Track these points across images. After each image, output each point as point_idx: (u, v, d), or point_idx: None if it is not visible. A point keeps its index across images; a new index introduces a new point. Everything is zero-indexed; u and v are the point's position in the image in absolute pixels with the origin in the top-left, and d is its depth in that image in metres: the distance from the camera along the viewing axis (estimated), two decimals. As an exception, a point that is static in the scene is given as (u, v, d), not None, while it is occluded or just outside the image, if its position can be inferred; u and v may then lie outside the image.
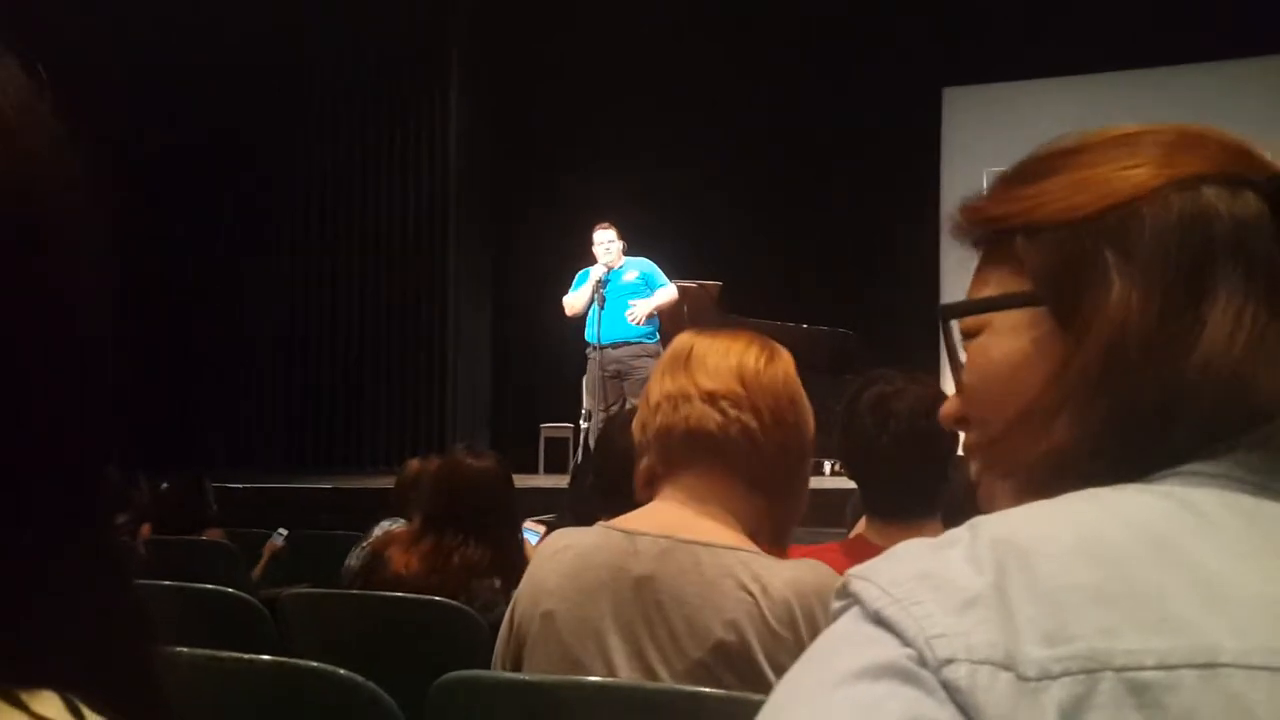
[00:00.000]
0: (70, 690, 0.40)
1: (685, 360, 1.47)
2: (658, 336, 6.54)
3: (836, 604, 0.56)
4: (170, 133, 8.81)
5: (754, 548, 1.43)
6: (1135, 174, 0.64)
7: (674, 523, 1.43)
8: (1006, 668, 0.48)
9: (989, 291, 0.70)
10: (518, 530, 2.72)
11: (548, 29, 8.97)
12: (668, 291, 6.57)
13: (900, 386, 1.89)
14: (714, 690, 1.29)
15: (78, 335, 0.43)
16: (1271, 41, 7.87)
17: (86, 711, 0.40)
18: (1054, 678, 0.48)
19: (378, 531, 2.67)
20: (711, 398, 1.43)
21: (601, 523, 1.51)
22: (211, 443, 8.85)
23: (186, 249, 9.30)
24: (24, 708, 0.38)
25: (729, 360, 1.46)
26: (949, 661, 0.49)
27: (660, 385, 1.48)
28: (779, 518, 1.49)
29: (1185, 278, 0.61)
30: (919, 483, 1.90)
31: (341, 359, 9.06)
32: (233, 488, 6.00)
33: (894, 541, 1.95)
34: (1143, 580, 0.50)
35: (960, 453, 2.12)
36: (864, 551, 1.89)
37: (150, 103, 8.45)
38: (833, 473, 7.01)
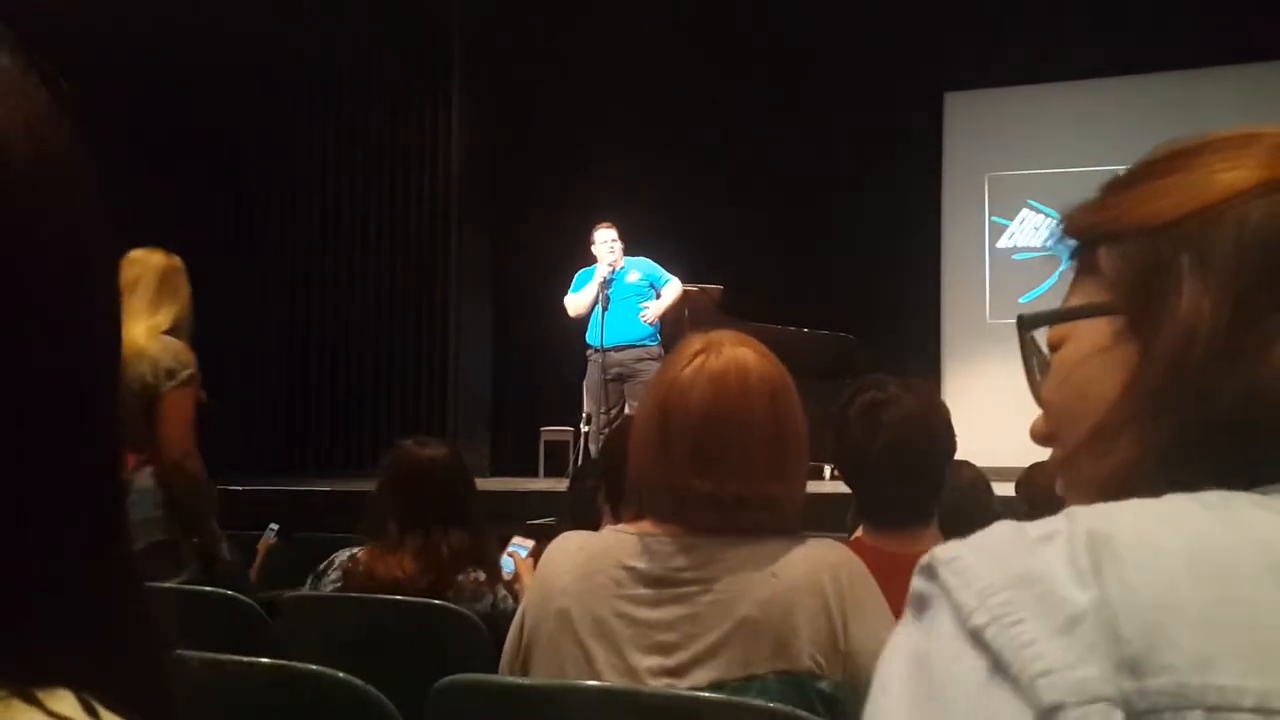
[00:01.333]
0: (85, 689, 0.40)
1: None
2: (659, 339, 6.53)
3: (920, 583, 0.51)
4: (168, 132, 8.82)
5: (770, 538, 1.44)
6: (1226, 177, 0.60)
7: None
8: (1118, 704, 0.44)
9: (1075, 303, 0.66)
10: (482, 519, 2.71)
11: (549, 29, 8.97)
12: (674, 287, 6.58)
13: (892, 394, 1.89)
14: (713, 695, 1.29)
15: (86, 335, 0.43)
16: (1275, 48, 7.87)
17: (102, 710, 0.40)
18: (1138, 715, 0.43)
19: (341, 559, 2.61)
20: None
21: (611, 527, 1.51)
22: (208, 445, 8.82)
23: (185, 249, 9.28)
24: (40, 705, 0.38)
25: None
26: (1057, 709, 0.44)
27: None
28: (788, 502, 1.49)
29: (1264, 284, 0.57)
30: (912, 491, 1.90)
31: (342, 361, 9.06)
32: (232, 489, 6.00)
33: (897, 547, 1.94)
34: (1257, 605, 0.45)
35: (958, 457, 2.12)
36: (861, 553, 1.89)
37: (148, 101, 8.45)
38: (832, 477, 7.01)
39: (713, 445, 1.43)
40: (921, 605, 0.50)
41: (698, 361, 1.48)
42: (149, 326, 2.98)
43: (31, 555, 0.40)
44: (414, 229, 8.95)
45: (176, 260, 3.17)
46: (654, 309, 6.45)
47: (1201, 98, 8.26)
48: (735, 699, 1.28)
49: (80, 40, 6.40)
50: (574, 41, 8.89)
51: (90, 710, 0.39)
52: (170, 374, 2.99)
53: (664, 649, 1.38)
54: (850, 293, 8.60)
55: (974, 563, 0.50)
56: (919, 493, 1.90)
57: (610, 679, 1.39)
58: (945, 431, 1.94)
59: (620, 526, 1.51)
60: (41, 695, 0.38)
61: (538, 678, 1.40)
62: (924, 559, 0.52)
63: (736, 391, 1.45)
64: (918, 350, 8.50)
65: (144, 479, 2.96)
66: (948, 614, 0.49)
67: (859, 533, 1.96)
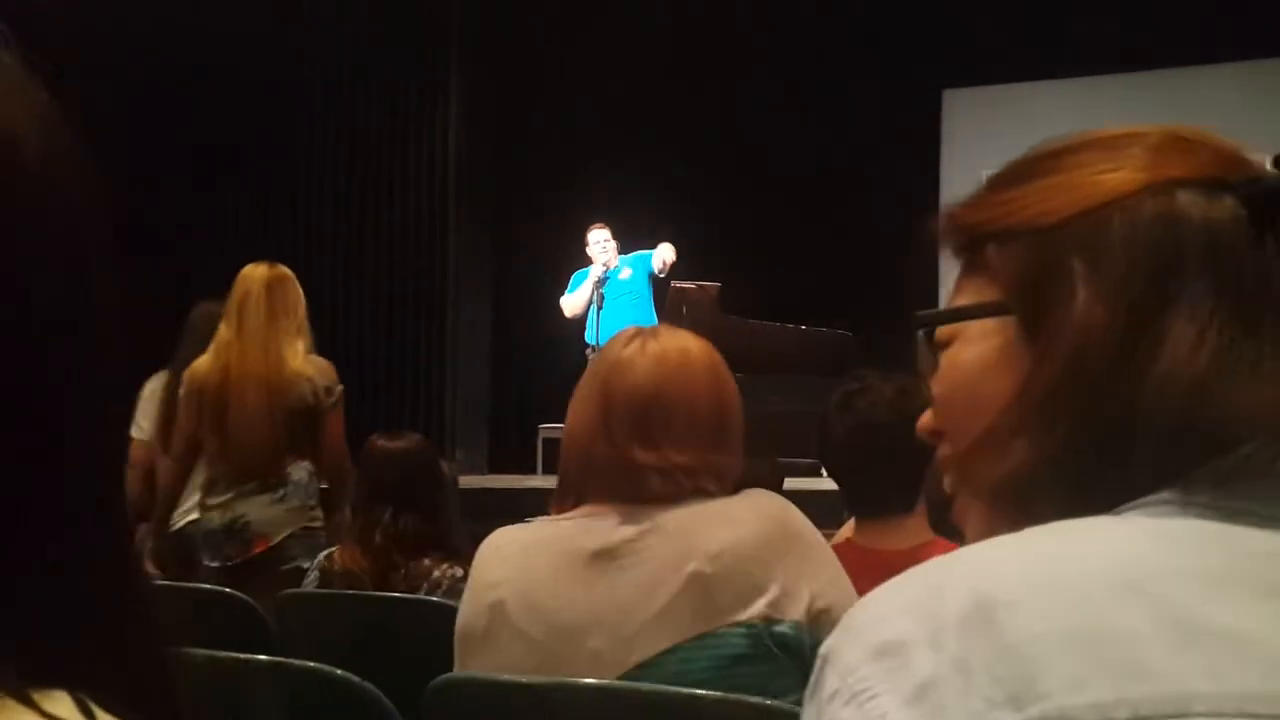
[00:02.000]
0: (81, 689, 0.40)
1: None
2: (656, 338, 6.54)
3: (821, 653, 0.53)
4: (165, 131, 8.80)
5: (707, 499, 1.46)
6: (1111, 178, 0.60)
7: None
8: None
9: (962, 301, 0.68)
10: (449, 507, 2.75)
11: (547, 30, 8.97)
12: (660, 251, 6.63)
13: (868, 384, 1.92)
14: (709, 693, 1.30)
15: (88, 333, 0.43)
16: (1273, 45, 7.88)
17: (98, 711, 0.39)
18: None
19: (319, 558, 2.69)
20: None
21: (545, 518, 1.52)
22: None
23: (182, 248, 9.28)
24: (35, 707, 0.38)
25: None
26: None
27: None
28: (730, 470, 1.52)
29: (1151, 288, 0.57)
30: (887, 476, 1.90)
31: (341, 359, 9.01)
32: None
33: (878, 541, 1.98)
34: (1113, 622, 0.46)
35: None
36: (850, 553, 1.90)
37: (146, 101, 8.44)
38: (827, 474, 7.02)
39: (657, 416, 1.46)
40: (813, 689, 0.52)
41: (636, 344, 1.51)
42: (298, 350, 3.34)
43: (30, 555, 0.40)
44: (413, 228, 8.95)
45: (283, 272, 3.40)
46: (661, 255, 6.54)
47: (1201, 94, 8.26)
48: (731, 696, 1.29)
49: (78, 40, 6.40)
50: (572, 42, 8.88)
51: (86, 712, 0.39)
52: (328, 391, 3.46)
53: (611, 626, 1.38)
54: (847, 290, 8.59)
55: (841, 643, 0.51)
56: (894, 477, 1.90)
57: (552, 665, 1.38)
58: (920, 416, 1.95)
59: (555, 516, 1.51)
60: (37, 697, 0.38)
61: (534, 675, 1.40)
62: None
63: (678, 365, 1.49)
64: (915, 347, 8.49)
65: (299, 472, 3.37)
66: (824, 696, 0.51)
67: (848, 530, 1.97)
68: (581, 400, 1.54)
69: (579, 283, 6.59)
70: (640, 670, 1.35)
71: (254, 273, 3.35)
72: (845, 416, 1.89)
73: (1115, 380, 0.56)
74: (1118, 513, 0.53)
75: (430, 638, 2.19)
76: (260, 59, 8.66)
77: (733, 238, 8.61)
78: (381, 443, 2.83)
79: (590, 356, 6.49)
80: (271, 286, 3.30)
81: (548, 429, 8.14)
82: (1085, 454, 0.56)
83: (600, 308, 6.40)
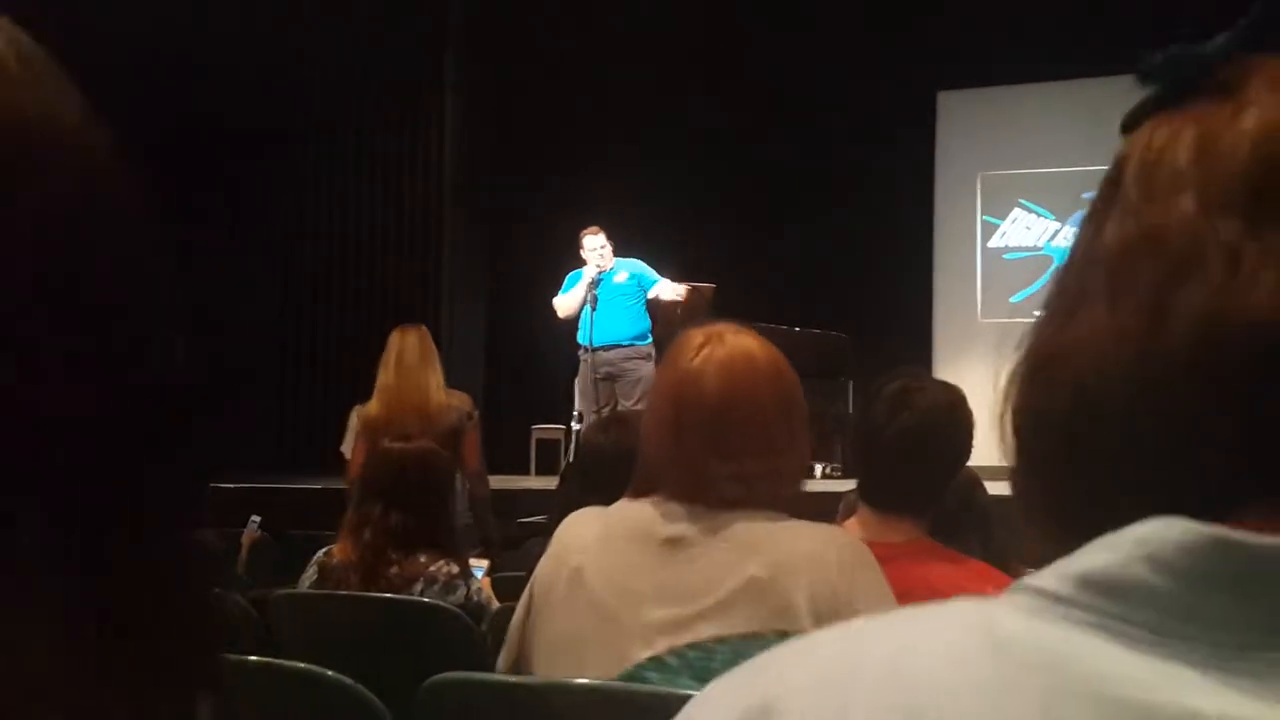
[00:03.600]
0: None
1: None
2: (650, 339, 6.54)
3: None
4: (162, 130, 8.79)
5: (781, 515, 1.51)
6: None
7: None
8: None
9: None
10: (444, 507, 2.77)
11: (543, 32, 8.96)
12: (659, 288, 6.61)
13: (926, 384, 1.97)
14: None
15: (150, 318, 0.43)
16: (1265, 44, 7.89)
17: None
18: None
19: (318, 555, 2.73)
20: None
21: (625, 501, 1.58)
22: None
23: (178, 247, 9.26)
24: None
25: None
26: None
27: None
28: (799, 466, 1.61)
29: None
30: (916, 479, 1.92)
31: (335, 359, 9.05)
32: (223, 488, 5.99)
33: (879, 533, 1.99)
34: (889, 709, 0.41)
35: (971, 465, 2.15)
36: None
37: (143, 100, 8.43)
38: (823, 475, 7.03)
39: (731, 430, 1.50)
40: None
41: (705, 352, 1.54)
42: (439, 384, 4.20)
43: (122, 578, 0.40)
44: (407, 229, 8.95)
45: (424, 329, 4.33)
46: (668, 289, 6.53)
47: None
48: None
49: (74, 38, 6.37)
50: (567, 44, 8.88)
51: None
52: (469, 416, 4.25)
53: (673, 602, 1.45)
54: (842, 291, 8.60)
55: (860, 604, 0.51)
56: (923, 481, 1.93)
57: (616, 633, 1.44)
58: (966, 432, 1.98)
59: (632, 499, 1.57)
60: None
61: (526, 675, 1.40)
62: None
63: (746, 376, 1.52)
64: (909, 348, 8.50)
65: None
66: None
67: (850, 523, 1.98)
68: (656, 409, 1.61)
69: (573, 283, 6.58)
70: (690, 649, 1.42)
71: (403, 331, 4.28)
72: (901, 412, 1.90)
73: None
74: (1005, 594, 0.45)
75: (424, 638, 2.19)
76: (255, 60, 8.65)
77: (728, 238, 8.61)
78: (384, 444, 2.92)
79: (583, 358, 6.50)
80: (418, 339, 4.21)
81: (541, 430, 8.14)
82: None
83: (594, 309, 6.39)
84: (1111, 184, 0.51)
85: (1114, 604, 0.40)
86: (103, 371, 0.39)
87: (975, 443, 1.96)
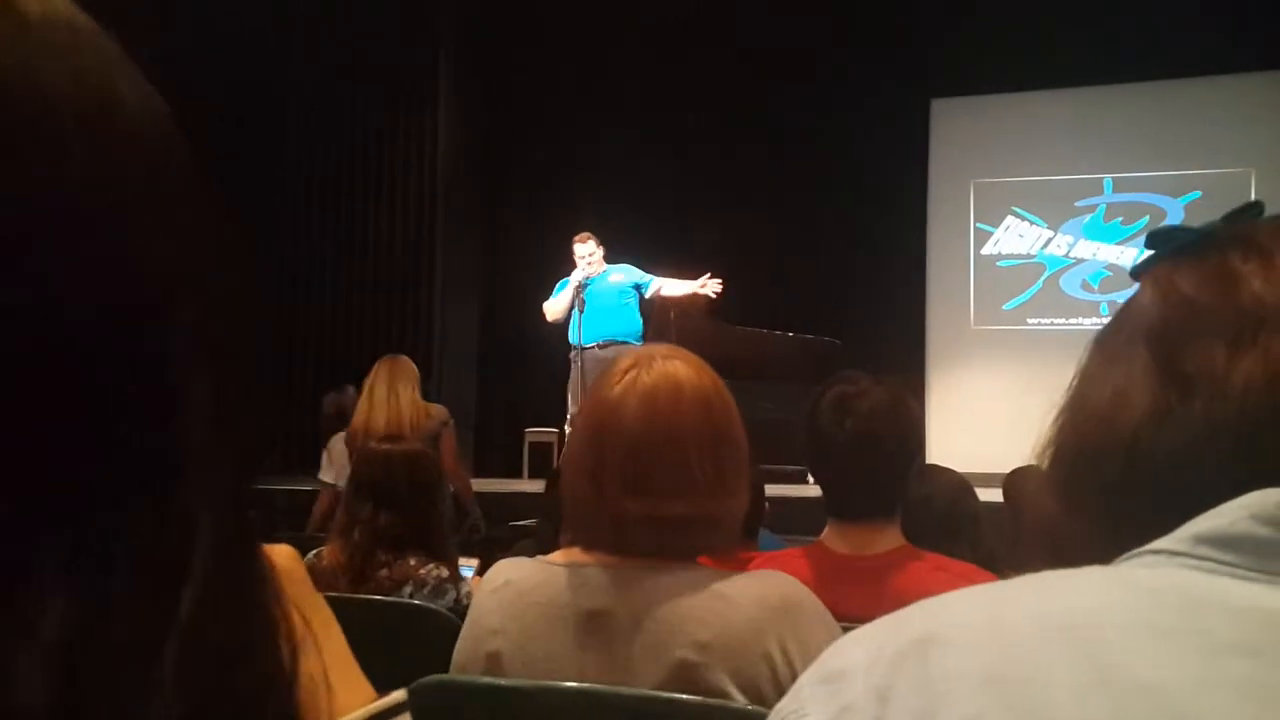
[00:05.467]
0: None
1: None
2: (642, 340, 6.53)
3: None
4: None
5: (709, 566, 1.40)
6: None
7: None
8: None
9: None
10: (435, 510, 2.76)
11: (536, 33, 8.97)
12: (660, 283, 6.63)
13: (863, 387, 1.91)
14: (692, 697, 1.29)
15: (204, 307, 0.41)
16: (1261, 57, 7.92)
17: None
18: None
19: (309, 557, 2.74)
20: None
21: (541, 559, 1.46)
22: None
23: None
24: None
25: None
26: None
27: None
28: (728, 518, 1.43)
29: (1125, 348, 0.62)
30: (875, 483, 1.91)
31: (327, 362, 9.03)
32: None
33: (852, 544, 1.96)
34: (1029, 666, 0.47)
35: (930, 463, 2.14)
36: (822, 557, 1.91)
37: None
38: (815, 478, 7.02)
39: (647, 465, 1.37)
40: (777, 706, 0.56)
41: (628, 378, 1.42)
42: (411, 399, 4.69)
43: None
44: (400, 231, 8.94)
45: (400, 359, 4.87)
46: (676, 284, 6.57)
47: (1187, 107, 8.31)
48: (714, 701, 1.28)
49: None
50: (561, 45, 8.89)
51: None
52: (445, 424, 4.78)
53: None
54: (836, 297, 8.61)
55: (809, 669, 0.55)
56: (883, 484, 1.91)
57: None
58: (913, 427, 1.96)
59: (550, 558, 1.46)
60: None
61: (516, 678, 1.40)
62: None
63: (668, 408, 1.39)
64: (903, 354, 8.52)
65: None
66: (775, 713, 0.55)
67: (823, 534, 1.97)
68: (576, 438, 1.48)
69: (563, 289, 6.60)
70: None
71: (378, 363, 4.83)
72: (844, 421, 1.88)
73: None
74: (1118, 563, 0.54)
75: (413, 641, 2.19)
76: (248, 60, 8.64)
77: (721, 242, 8.61)
78: (373, 445, 2.90)
79: (573, 360, 6.49)
80: (388, 369, 4.74)
81: (534, 433, 8.13)
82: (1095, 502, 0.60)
83: (582, 311, 6.39)
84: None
85: (1225, 553, 0.49)
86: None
87: (962, 447, 1.95)
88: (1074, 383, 0.64)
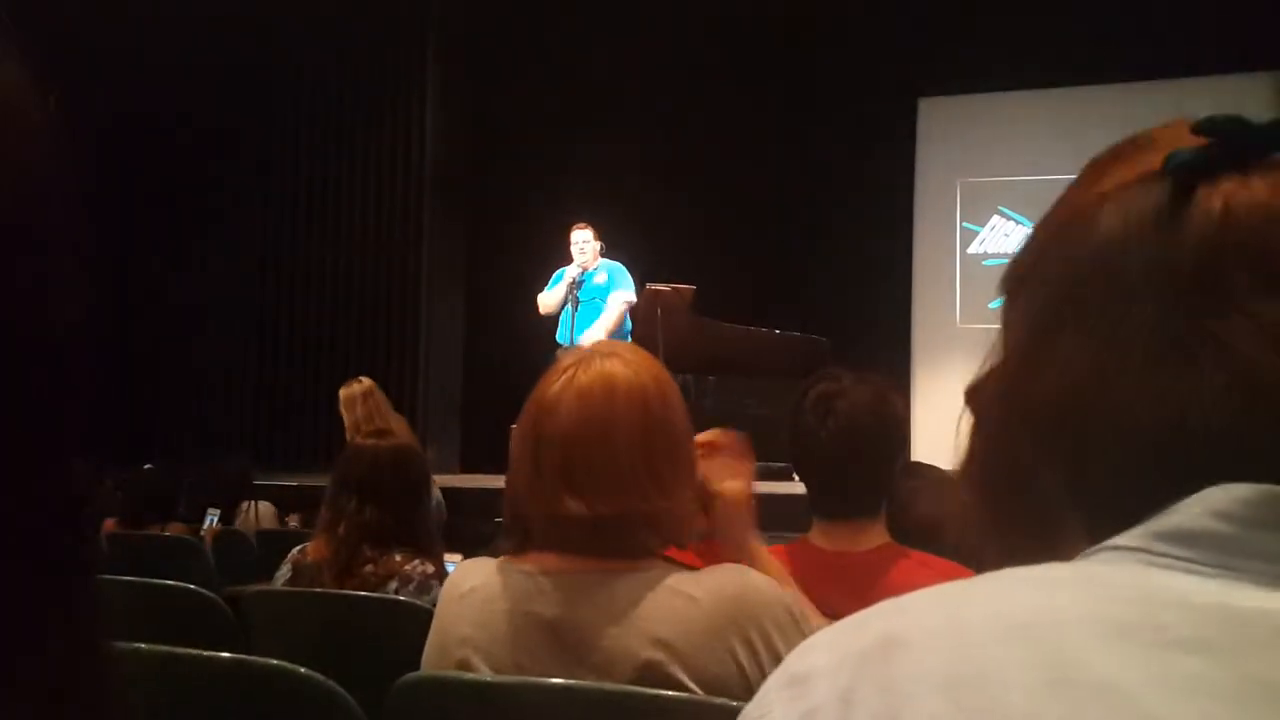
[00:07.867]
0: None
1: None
2: (630, 339, 6.53)
3: None
4: (143, 127, 8.74)
5: (666, 562, 1.40)
6: (1054, 215, 0.61)
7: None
8: None
9: None
10: (419, 506, 2.75)
11: (523, 29, 8.95)
12: (617, 301, 6.55)
13: (845, 385, 1.91)
14: (675, 694, 1.29)
15: (55, 329, 0.41)
16: (1246, 58, 7.96)
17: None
18: None
19: (293, 552, 2.72)
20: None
21: (504, 558, 1.46)
22: (179, 440, 8.78)
23: (158, 246, 9.23)
24: None
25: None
26: None
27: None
28: (670, 517, 1.42)
29: (1048, 315, 0.58)
30: (859, 481, 1.91)
31: (313, 358, 9.01)
32: (200, 481, 5.96)
33: (837, 541, 1.94)
34: (986, 667, 0.47)
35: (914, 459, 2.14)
36: (806, 554, 1.91)
37: (126, 96, 8.38)
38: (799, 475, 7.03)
39: (581, 463, 1.37)
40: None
41: (566, 377, 1.42)
42: (368, 416, 5.42)
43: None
44: (386, 227, 8.92)
45: (369, 382, 5.75)
46: (600, 325, 6.45)
47: (1174, 107, 8.28)
48: (698, 697, 1.29)
49: (61, 30, 6.34)
50: (548, 42, 8.87)
51: None
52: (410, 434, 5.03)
53: None
54: (822, 295, 8.63)
55: (769, 665, 0.54)
56: (868, 482, 1.91)
57: None
58: (897, 424, 1.95)
59: (510, 561, 1.45)
60: None
61: (501, 675, 1.40)
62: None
63: (602, 405, 1.39)
64: (889, 353, 8.54)
65: None
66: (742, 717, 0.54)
67: (811, 535, 1.98)
68: (517, 437, 1.47)
69: (558, 280, 6.61)
70: None
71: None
72: (826, 419, 1.88)
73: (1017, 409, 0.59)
74: (1078, 559, 0.53)
75: (397, 636, 2.19)
76: (235, 58, 8.62)
77: (708, 240, 8.62)
78: (358, 440, 2.90)
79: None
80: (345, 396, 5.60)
81: (520, 428, 8.12)
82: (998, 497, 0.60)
83: (575, 309, 6.39)
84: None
85: (1185, 549, 0.49)
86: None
87: (948, 446, 1.96)
88: (1008, 344, 0.60)
